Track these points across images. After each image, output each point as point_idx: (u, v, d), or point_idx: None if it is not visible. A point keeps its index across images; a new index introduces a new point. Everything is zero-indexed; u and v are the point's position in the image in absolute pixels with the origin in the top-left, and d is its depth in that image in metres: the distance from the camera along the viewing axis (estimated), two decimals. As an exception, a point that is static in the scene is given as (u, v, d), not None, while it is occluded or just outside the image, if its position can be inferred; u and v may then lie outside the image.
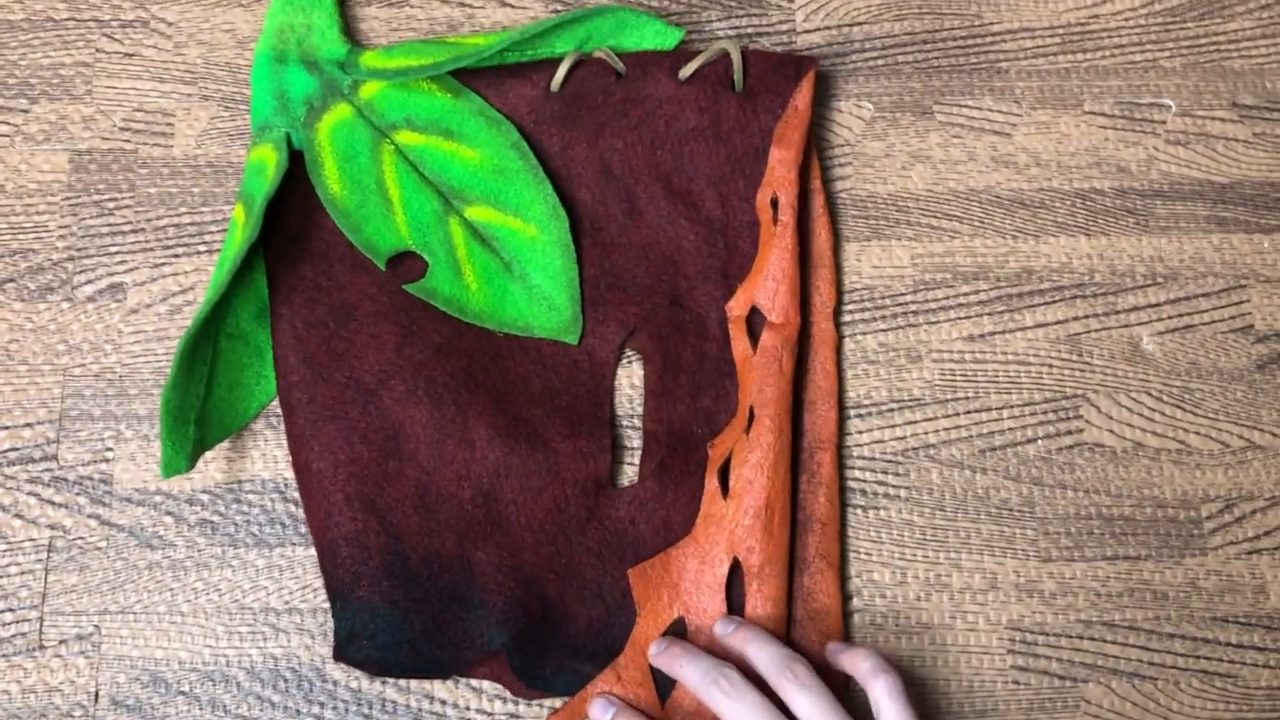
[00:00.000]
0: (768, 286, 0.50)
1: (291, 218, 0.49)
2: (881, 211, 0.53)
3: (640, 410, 0.50)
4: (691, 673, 0.43)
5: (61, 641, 0.46)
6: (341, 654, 0.45)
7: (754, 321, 0.50)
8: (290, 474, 0.48)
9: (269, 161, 0.49)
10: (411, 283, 0.49)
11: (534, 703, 0.46)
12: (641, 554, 0.47)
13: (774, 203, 0.51)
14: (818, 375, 0.50)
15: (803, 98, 0.52)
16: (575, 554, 0.47)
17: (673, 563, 0.47)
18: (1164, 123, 0.54)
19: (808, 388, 0.50)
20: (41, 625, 0.46)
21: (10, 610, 0.46)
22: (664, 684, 0.45)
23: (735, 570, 0.46)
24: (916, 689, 0.47)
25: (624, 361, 0.51)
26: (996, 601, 0.48)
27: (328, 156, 0.49)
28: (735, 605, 0.46)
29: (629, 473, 0.49)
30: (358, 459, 0.47)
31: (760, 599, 0.45)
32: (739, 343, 0.50)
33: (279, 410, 0.49)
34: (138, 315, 0.50)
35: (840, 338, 0.51)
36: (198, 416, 0.46)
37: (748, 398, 0.48)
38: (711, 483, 0.48)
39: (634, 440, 0.50)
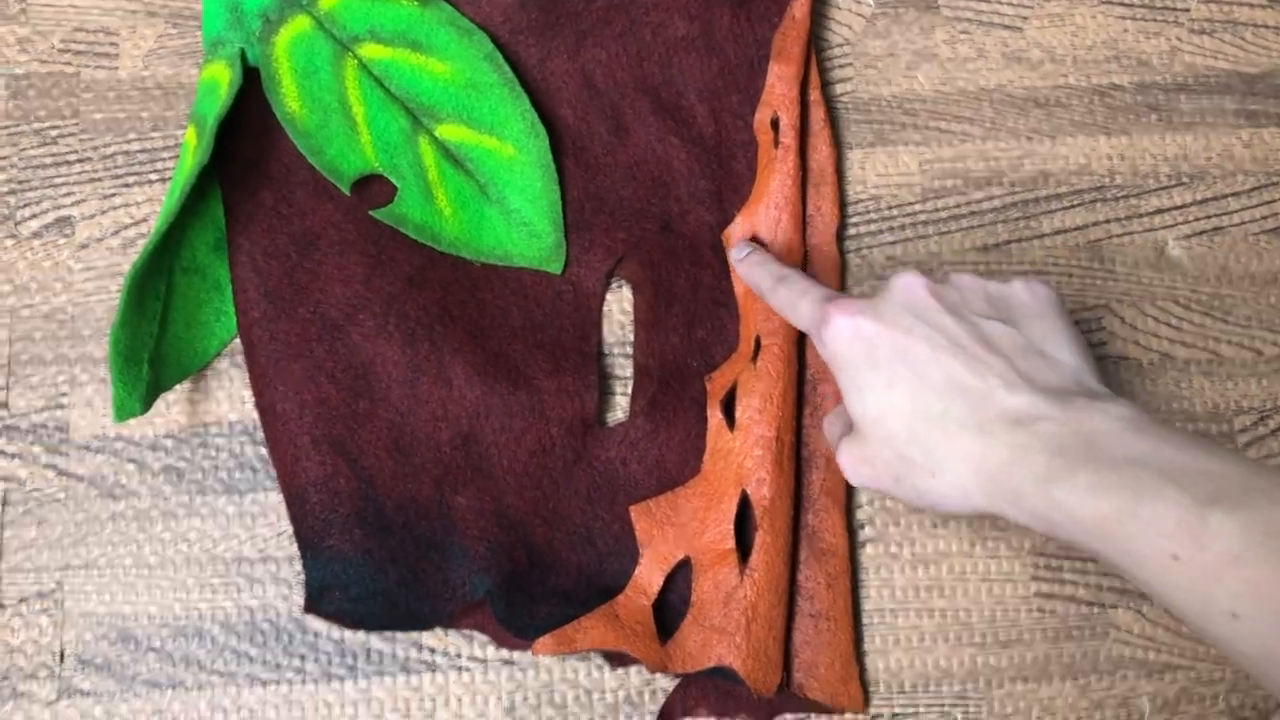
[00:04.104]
0: (769, 214, 0.44)
1: (248, 140, 0.43)
2: (886, 115, 0.46)
3: (632, 339, 0.44)
4: (760, 275, 0.40)
5: (22, 600, 0.41)
6: (313, 607, 0.40)
7: None
8: (258, 417, 0.43)
9: (222, 80, 0.43)
10: (379, 208, 0.43)
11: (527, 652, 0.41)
12: (634, 496, 0.42)
13: (774, 123, 0.45)
14: (820, 300, 0.44)
15: (800, 6, 0.45)
16: (562, 498, 0.42)
17: (681, 501, 0.42)
18: (1187, 10, 0.48)
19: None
20: (0, 584, 0.41)
21: (-35, 569, 0.41)
22: (664, 626, 0.41)
23: (743, 509, 0.41)
24: (935, 621, 0.42)
25: (614, 287, 0.45)
26: (1018, 526, 0.43)
27: (285, 73, 0.43)
28: (744, 542, 0.41)
29: (619, 408, 0.44)
30: (325, 399, 0.41)
31: (771, 534, 0.40)
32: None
33: (243, 351, 0.43)
34: (88, 250, 0.44)
35: (844, 260, 0.45)
36: (152, 356, 0.40)
37: (752, 327, 0.43)
38: (715, 416, 0.42)
39: (626, 369, 0.44)
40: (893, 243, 0.45)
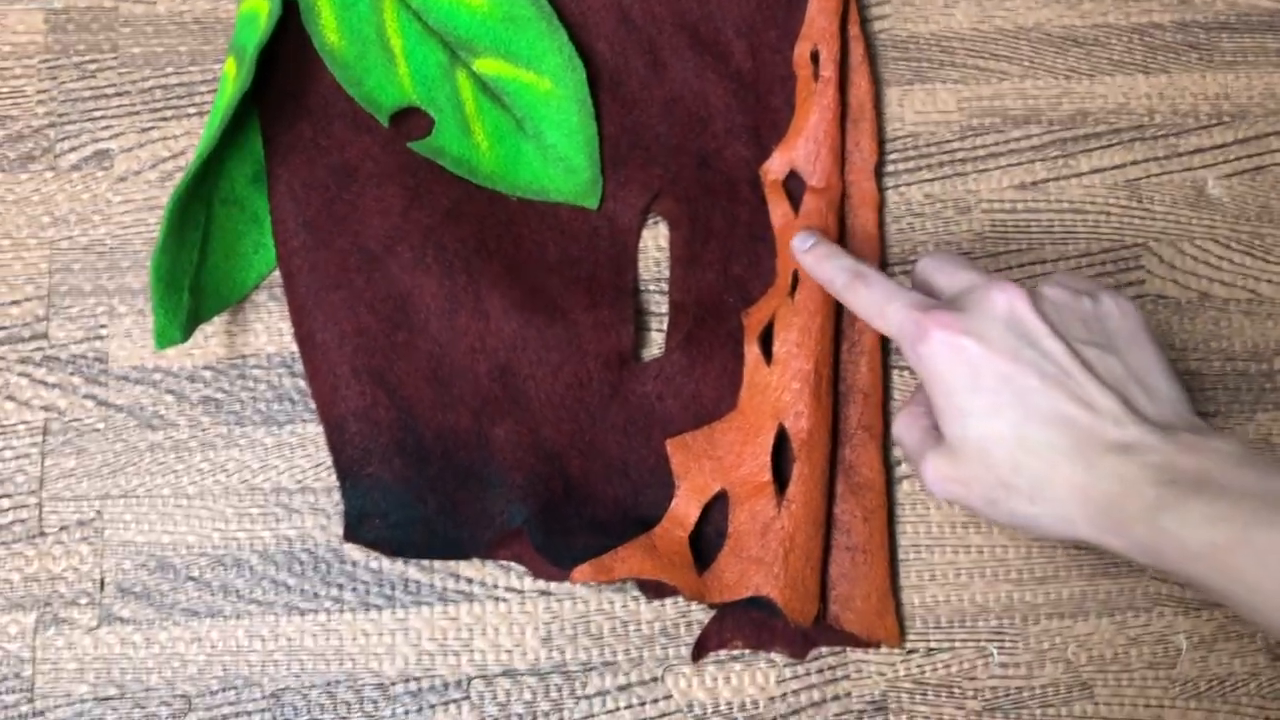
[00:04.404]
0: (808, 148, 0.43)
1: (287, 72, 0.43)
2: (924, 53, 0.46)
3: (668, 275, 0.44)
4: (832, 270, 0.38)
5: (63, 528, 0.41)
6: (352, 535, 0.40)
7: (790, 185, 0.44)
8: (297, 348, 0.43)
9: (261, 11, 0.42)
10: (417, 141, 0.43)
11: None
12: (670, 430, 0.42)
13: (814, 57, 0.44)
14: (858, 238, 0.44)
15: (838, -63, 0.45)
16: (599, 431, 0.42)
17: (717, 435, 0.41)
18: (1229, -51, 0.47)
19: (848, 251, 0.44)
20: (41, 511, 0.41)
21: (7, 496, 0.41)
22: (700, 557, 0.41)
23: (780, 442, 0.41)
24: (971, 558, 0.42)
25: (649, 223, 0.45)
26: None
27: (324, 5, 0.43)
28: (780, 476, 0.41)
29: (655, 344, 0.44)
30: (365, 330, 0.41)
31: (809, 466, 0.40)
32: (778, 208, 0.43)
33: (282, 282, 0.43)
34: (126, 183, 0.44)
35: (882, 196, 0.45)
36: (192, 284, 0.40)
37: (790, 262, 0.43)
38: (753, 351, 0.42)
39: (661, 305, 0.44)
40: (930, 180, 0.45)
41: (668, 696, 0.41)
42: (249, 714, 0.40)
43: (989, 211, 0.45)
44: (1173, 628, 0.41)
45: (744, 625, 0.41)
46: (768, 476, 0.40)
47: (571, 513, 0.40)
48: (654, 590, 0.41)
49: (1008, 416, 0.32)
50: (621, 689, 0.41)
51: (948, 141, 0.45)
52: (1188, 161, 0.45)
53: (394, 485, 0.40)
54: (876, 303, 0.36)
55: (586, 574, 0.39)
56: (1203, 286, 0.44)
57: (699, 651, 0.41)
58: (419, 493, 0.40)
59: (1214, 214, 0.45)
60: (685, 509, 0.41)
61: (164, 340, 0.39)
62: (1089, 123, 0.45)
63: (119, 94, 0.44)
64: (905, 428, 0.37)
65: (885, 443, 0.42)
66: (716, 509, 0.41)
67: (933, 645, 0.41)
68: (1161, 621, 0.41)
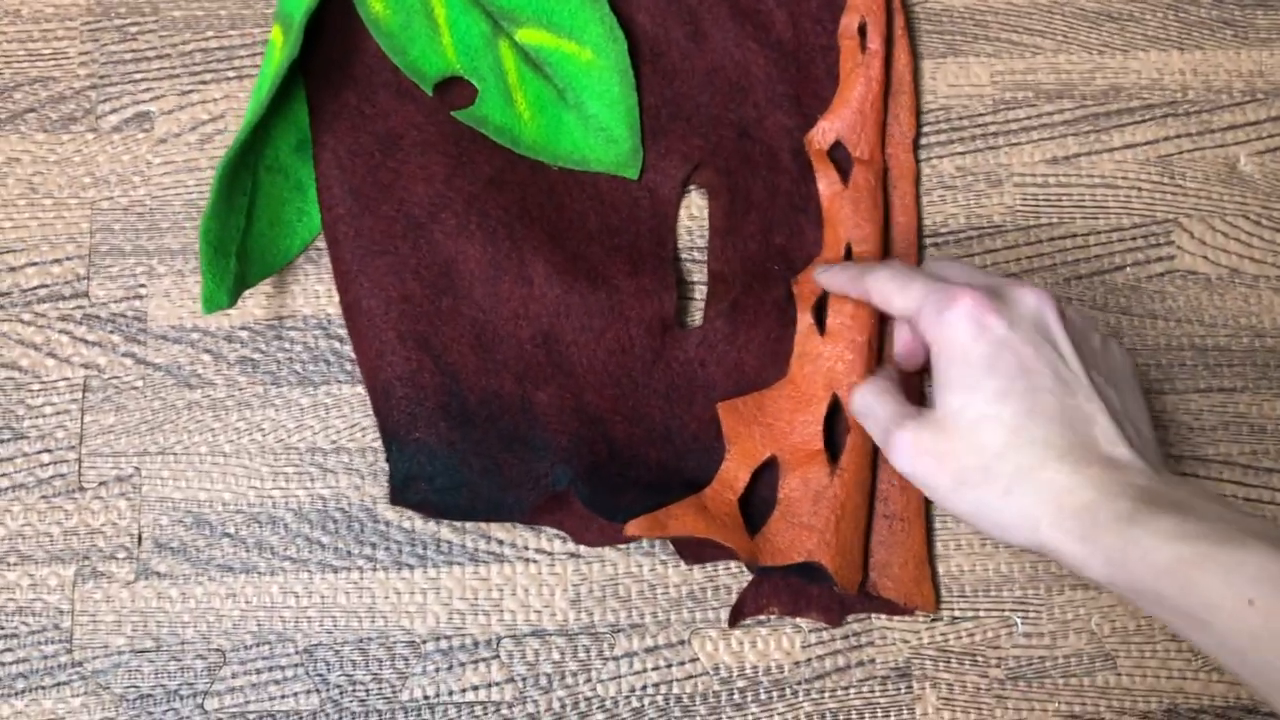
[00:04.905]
0: (853, 120, 0.43)
1: (332, 40, 0.43)
2: (958, 26, 0.46)
3: (700, 245, 0.44)
4: (844, 279, 0.39)
5: (101, 483, 0.42)
6: (398, 498, 0.40)
7: (834, 155, 0.44)
8: (334, 310, 0.43)
9: (301, -22, 0.43)
10: (460, 110, 0.43)
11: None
12: (712, 397, 0.42)
13: (860, 29, 0.44)
14: (896, 211, 0.44)
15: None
16: (642, 396, 0.42)
17: (768, 402, 0.42)
18: (1265, -72, 0.47)
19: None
20: (80, 466, 0.42)
21: (48, 451, 0.42)
22: (751, 520, 0.41)
23: (832, 412, 0.41)
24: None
25: (688, 193, 0.45)
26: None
27: (364, -28, 0.44)
28: (833, 445, 0.41)
29: (692, 313, 0.44)
30: (410, 296, 0.41)
31: (861, 436, 0.40)
32: (826, 177, 0.43)
33: (320, 244, 0.44)
34: (166, 145, 0.44)
35: (919, 168, 0.45)
36: (238, 249, 0.40)
37: (841, 234, 0.42)
38: (806, 320, 0.42)
39: (695, 276, 0.44)
40: (962, 153, 0.45)
41: (694, 659, 0.41)
42: (282, 668, 0.40)
43: (1020, 185, 0.45)
44: (1197, 600, 0.42)
45: (780, 591, 0.41)
46: (820, 445, 0.40)
47: (616, 474, 0.40)
48: (693, 554, 0.41)
49: (1014, 405, 0.32)
50: (649, 651, 0.41)
51: (980, 115, 0.45)
52: (1220, 138, 0.45)
53: (439, 449, 0.40)
54: (899, 278, 0.36)
55: (642, 527, 0.38)
56: (1233, 263, 0.44)
57: (736, 616, 0.41)
58: (464, 456, 0.40)
59: (1246, 191, 0.45)
60: (736, 472, 0.41)
61: (211, 305, 0.39)
62: (1122, 98, 0.45)
63: (160, 56, 0.45)
64: (875, 397, 0.37)
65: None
66: (761, 474, 0.41)
67: (957, 614, 0.42)
68: (1186, 594, 0.42)
